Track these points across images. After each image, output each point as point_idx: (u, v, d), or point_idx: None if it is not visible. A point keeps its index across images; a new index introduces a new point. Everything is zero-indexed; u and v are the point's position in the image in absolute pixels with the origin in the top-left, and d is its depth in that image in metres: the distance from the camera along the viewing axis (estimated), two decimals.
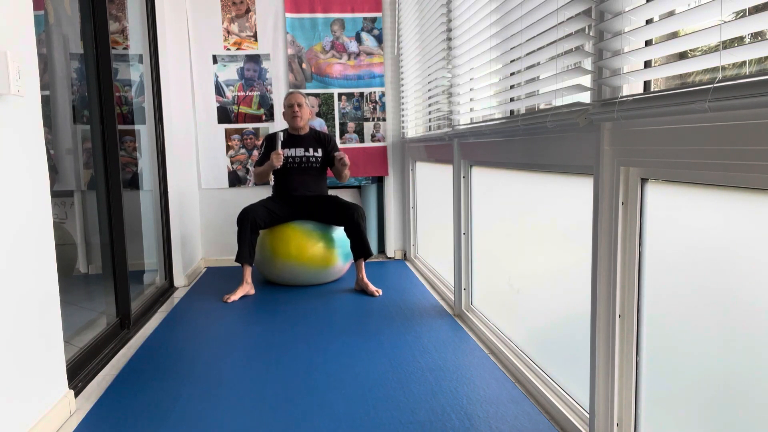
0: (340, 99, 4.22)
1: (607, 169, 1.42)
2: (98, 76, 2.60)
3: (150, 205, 3.38)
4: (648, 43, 1.36)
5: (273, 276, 3.51)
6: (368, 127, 4.27)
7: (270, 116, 4.20)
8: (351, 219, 3.36)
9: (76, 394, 2.01)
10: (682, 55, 1.21)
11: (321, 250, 3.42)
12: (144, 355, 2.39)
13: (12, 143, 1.62)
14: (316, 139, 3.59)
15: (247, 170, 4.23)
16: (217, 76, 4.13)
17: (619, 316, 1.41)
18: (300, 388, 2.02)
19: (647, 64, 1.38)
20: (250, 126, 4.20)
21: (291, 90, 4.09)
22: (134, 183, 3.18)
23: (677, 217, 1.22)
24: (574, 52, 1.55)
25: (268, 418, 1.80)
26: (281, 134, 3.47)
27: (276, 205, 3.49)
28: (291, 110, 3.49)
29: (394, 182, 4.34)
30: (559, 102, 1.68)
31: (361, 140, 4.27)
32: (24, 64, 1.70)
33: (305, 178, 3.54)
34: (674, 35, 1.16)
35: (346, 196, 4.40)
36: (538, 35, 1.77)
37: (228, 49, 4.11)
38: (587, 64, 1.58)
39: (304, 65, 4.17)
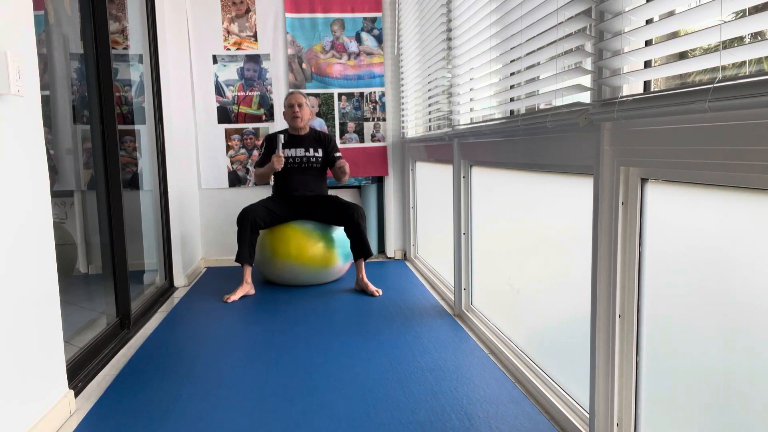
0: (340, 99, 4.22)
1: (607, 169, 1.42)
2: (98, 76, 2.60)
3: (150, 205, 3.38)
4: (648, 43, 1.36)
5: (273, 276, 3.51)
6: (368, 127, 4.27)
7: (270, 116, 4.20)
8: (351, 219, 3.36)
9: (76, 394, 2.01)
10: (682, 55, 1.21)
11: (321, 250, 3.42)
12: (144, 355, 2.39)
13: (12, 143, 1.62)
14: (317, 139, 3.59)
15: (247, 170, 4.23)
16: (217, 76, 4.13)
17: (619, 316, 1.41)
18: (300, 388, 2.02)
19: (647, 64, 1.38)
20: (250, 126, 4.20)
21: (291, 90, 4.09)
22: (134, 183, 3.18)
23: (677, 217, 1.22)
24: (574, 52, 1.55)
25: (268, 418, 1.80)
26: (282, 136, 3.47)
27: (276, 205, 3.49)
28: (291, 110, 3.49)
29: (394, 182, 4.34)
30: (559, 102, 1.68)
31: (361, 140, 4.27)
32: (24, 64, 1.70)
33: (305, 178, 3.54)
34: (674, 35, 1.16)
35: (346, 196, 4.40)
36: (538, 35, 1.77)
37: (228, 49, 4.11)
38: (587, 64, 1.58)
39: (304, 65, 4.17)
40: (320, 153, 3.57)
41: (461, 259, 2.82)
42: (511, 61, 2.04)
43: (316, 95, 4.20)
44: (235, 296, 3.23)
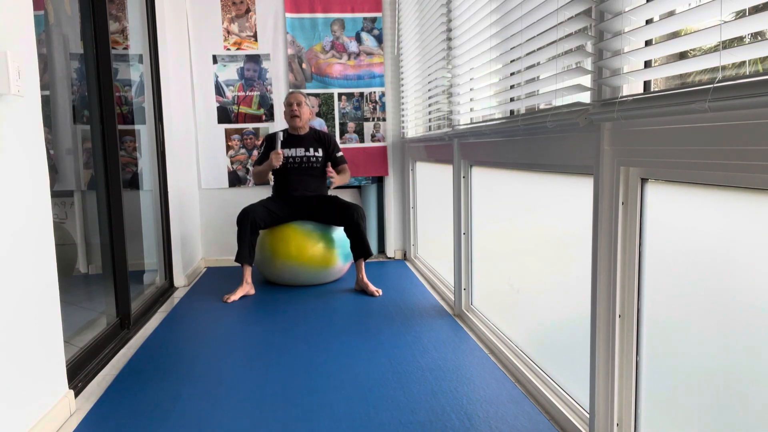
0: (340, 99, 4.22)
1: (607, 169, 1.42)
2: (98, 76, 2.60)
3: (150, 205, 3.38)
4: (648, 43, 1.36)
5: (273, 276, 3.51)
6: (368, 127, 4.27)
7: (270, 116, 4.20)
8: (351, 219, 3.36)
9: (76, 394, 2.01)
10: (682, 55, 1.21)
11: (321, 250, 3.42)
12: (144, 355, 2.39)
13: (12, 143, 1.62)
14: (317, 138, 3.59)
15: (247, 170, 4.23)
16: (217, 76, 4.13)
17: (619, 316, 1.41)
18: (300, 388, 2.02)
19: (647, 64, 1.38)
20: (250, 126, 4.20)
21: (291, 90, 4.09)
22: (134, 183, 3.18)
23: (677, 217, 1.22)
24: (574, 52, 1.55)
25: (268, 418, 1.80)
26: (281, 134, 3.47)
27: (276, 205, 3.49)
28: (290, 109, 3.49)
29: (394, 182, 4.34)
30: (559, 102, 1.68)
31: (361, 140, 4.27)
32: (24, 64, 1.70)
33: (305, 178, 3.54)
34: (674, 35, 1.16)
35: (346, 196, 4.40)
36: (538, 35, 1.77)
37: (228, 49, 4.11)
38: (587, 64, 1.58)
39: (304, 65, 4.17)
40: (320, 153, 3.57)
41: (461, 259, 2.82)
42: (511, 61, 2.04)
43: (316, 95, 4.20)
44: (235, 296, 3.23)
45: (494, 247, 2.41)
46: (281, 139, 3.45)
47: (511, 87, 2.11)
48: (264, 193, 4.25)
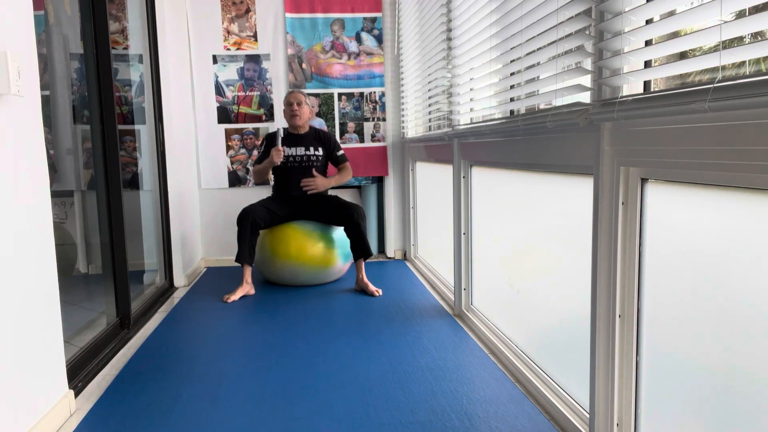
0: (340, 99, 4.22)
1: (607, 169, 1.42)
2: (98, 76, 2.60)
3: (150, 205, 3.38)
4: (648, 43, 1.36)
5: (273, 276, 3.51)
6: (368, 127, 4.27)
7: (270, 116, 4.20)
8: (351, 219, 3.36)
9: (76, 394, 2.01)
10: (683, 55, 1.21)
11: (321, 250, 3.42)
12: (144, 355, 2.39)
13: (12, 143, 1.62)
14: (317, 138, 3.59)
15: (247, 170, 4.23)
16: (217, 76, 4.13)
17: (619, 316, 1.41)
18: (300, 388, 2.02)
19: (647, 64, 1.38)
20: (250, 126, 4.20)
21: (291, 89, 4.09)
22: (134, 183, 3.18)
23: (677, 217, 1.22)
24: (574, 52, 1.55)
25: (268, 418, 1.80)
26: (281, 130, 3.47)
27: (276, 205, 3.49)
28: (290, 109, 3.48)
29: (394, 182, 4.34)
30: (559, 102, 1.68)
31: (361, 140, 4.27)
32: (24, 64, 1.70)
33: (305, 177, 3.54)
34: (674, 35, 1.16)
35: (346, 196, 4.40)
36: (538, 35, 1.77)
37: (228, 49, 4.11)
38: (587, 64, 1.58)
39: (304, 65, 4.17)
40: (321, 152, 3.57)
41: (461, 259, 2.82)
42: (511, 61, 2.04)
43: (316, 95, 4.20)
44: (235, 296, 3.23)
45: (494, 247, 2.41)
46: (281, 136, 3.45)
47: (511, 87, 2.11)
48: (264, 193, 4.25)
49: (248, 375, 2.15)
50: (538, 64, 1.82)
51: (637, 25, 1.31)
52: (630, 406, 1.42)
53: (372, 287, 3.30)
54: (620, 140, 1.36)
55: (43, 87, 2.23)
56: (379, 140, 4.28)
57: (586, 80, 1.58)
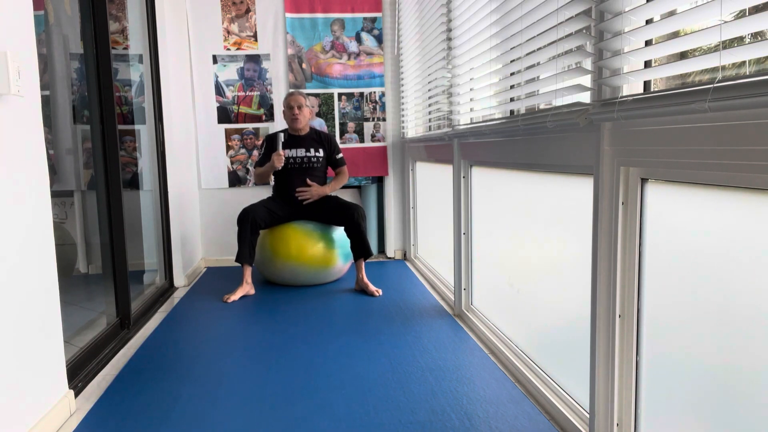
0: (340, 99, 4.22)
1: (607, 169, 1.42)
2: (98, 76, 2.60)
3: (150, 205, 3.38)
4: (648, 43, 1.36)
5: (273, 276, 3.51)
6: (368, 127, 4.27)
7: (270, 116, 4.20)
8: (351, 219, 3.36)
9: (76, 394, 2.01)
10: (683, 55, 1.21)
11: (321, 250, 3.42)
12: (144, 355, 2.39)
13: (12, 143, 1.62)
14: (317, 139, 3.59)
15: (247, 170, 4.23)
16: (217, 76, 4.13)
17: (619, 316, 1.41)
18: (300, 388, 2.02)
19: (647, 64, 1.38)
20: (250, 126, 4.20)
21: (291, 90, 4.09)
22: (134, 183, 3.18)
23: (677, 217, 1.22)
24: (574, 52, 1.55)
25: (268, 418, 1.80)
26: (282, 135, 3.47)
27: (276, 205, 3.49)
28: (291, 112, 3.48)
29: (394, 182, 4.34)
30: (559, 102, 1.68)
31: (361, 140, 4.27)
32: (24, 64, 1.70)
33: (306, 178, 3.54)
34: (674, 35, 1.16)
35: (346, 196, 4.40)
36: (538, 35, 1.77)
37: (228, 49, 4.11)
38: (587, 64, 1.58)
39: (304, 65, 4.17)
40: (321, 153, 3.57)
41: (461, 259, 2.82)
42: (511, 61, 2.04)
43: (316, 95, 4.20)
44: (235, 296, 3.23)
45: (494, 247, 2.41)
46: (282, 140, 3.45)
47: (511, 87, 2.11)
48: (264, 192, 4.26)
49: (248, 375, 2.15)
50: (538, 64, 1.82)
51: (637, 25, 1.31)
52: (630, 406, 1.42)
53: (372, 287, 3.30)
54: (620, 140, 1.36)
55: (43, 87, 2.23)
56: (379, 140, 4.28)
57: (586, 80, 1.58)
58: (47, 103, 2.36)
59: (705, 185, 1.12)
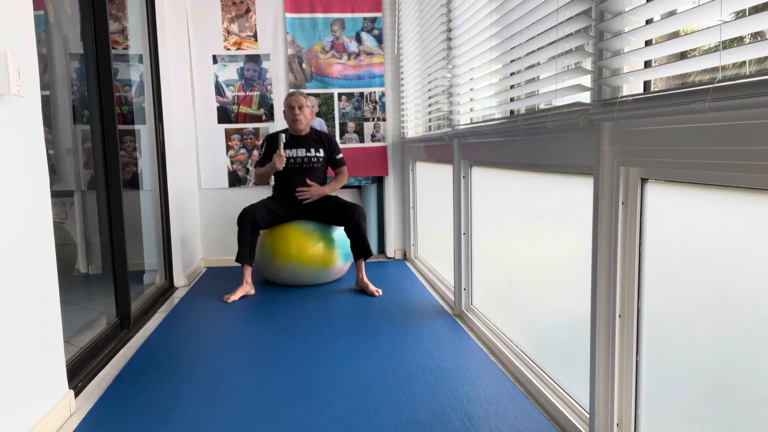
0: (340, 99, 4.22)
1: (607, 169, 1.42)
2: (98, 76, 2.60)
3: (150, 205, 3.38)
4: (648, 43, 1.36)
5: (273, 276, 3.51)
6: (368, 127, 4.27)
7: (270, 116, 4.20)
8: (351, 219, 3.36)
9: (76, 394, 2.01)
10: (683, 55, 1.21)
11: (321, 250, 3.42)
12: (144, 355, 2.39)
13: (12, 143, 1.62)
14: (317, 139, 3.59)
15: (247, 170, 4.23)
16: (217, 76, 4.13)
17: (619, 316, 1.41)
18: (300, 388, 2.02)
19: (647, 64, 1.38)
20: (250, 126, 4.20)
21: (292, 91, 4.09)
22: (134, 183, 3.18)
23: (677, 217, 1.22)
24: (574, 52, 1.55)
25: (268, 418, 1.80)
26: (283, 135, 3.47)
27: (276, 205, 3.49)
28: (292, 113, 3.48)
29: (394, 182, 4.34)
30: (559, 102, 1.68)
31: (361, 140, 4.27)
32: (24, 64, 1.70)
33: (306, 178, 3.54)
34: (674, 35, 1.16)
35: (346, 196, 4.40)
36: (538, 35, 1.77)
37: (228, 49, 4.11)
38: (587, 64, 1.58)
39: (304, 65, 4.17)
40: (321, 153, 3.57)
41: (461, 259, 2.82)
42: (511, 61, 2.04)
43: (316, 95, 4.20)
44: (235, 296, 3.23)
45: (494, 247, 2.41)
46: (284, 141, 3.45)
47: (511, 87, 2.11)
48: (264, 192, 4.26)
49: (248, 375, 2.15)
50: (538, 64, 1.82)
51: (637, 25, 1.31)
52: (630, 406, 1.42)
53: (372, 287, 3.30)
54: (620, 140, 1.36)
55: (43, 87, 2.23)
56: (379, 140, 4.28)
57: (586, 80, 1.58)
58: (47, 103, 2.36)
59: (705, 185, 1.12)
